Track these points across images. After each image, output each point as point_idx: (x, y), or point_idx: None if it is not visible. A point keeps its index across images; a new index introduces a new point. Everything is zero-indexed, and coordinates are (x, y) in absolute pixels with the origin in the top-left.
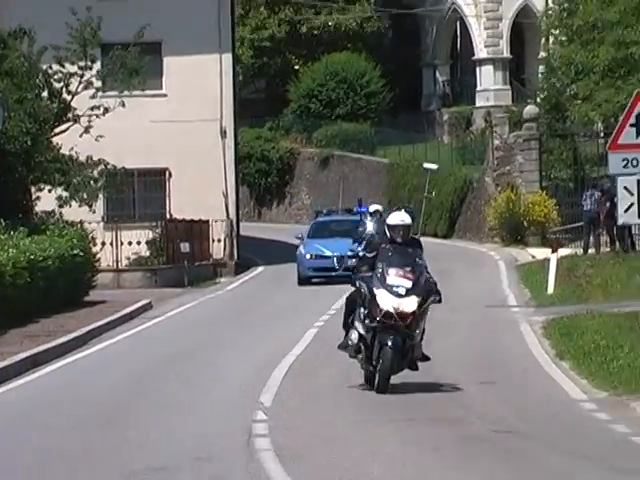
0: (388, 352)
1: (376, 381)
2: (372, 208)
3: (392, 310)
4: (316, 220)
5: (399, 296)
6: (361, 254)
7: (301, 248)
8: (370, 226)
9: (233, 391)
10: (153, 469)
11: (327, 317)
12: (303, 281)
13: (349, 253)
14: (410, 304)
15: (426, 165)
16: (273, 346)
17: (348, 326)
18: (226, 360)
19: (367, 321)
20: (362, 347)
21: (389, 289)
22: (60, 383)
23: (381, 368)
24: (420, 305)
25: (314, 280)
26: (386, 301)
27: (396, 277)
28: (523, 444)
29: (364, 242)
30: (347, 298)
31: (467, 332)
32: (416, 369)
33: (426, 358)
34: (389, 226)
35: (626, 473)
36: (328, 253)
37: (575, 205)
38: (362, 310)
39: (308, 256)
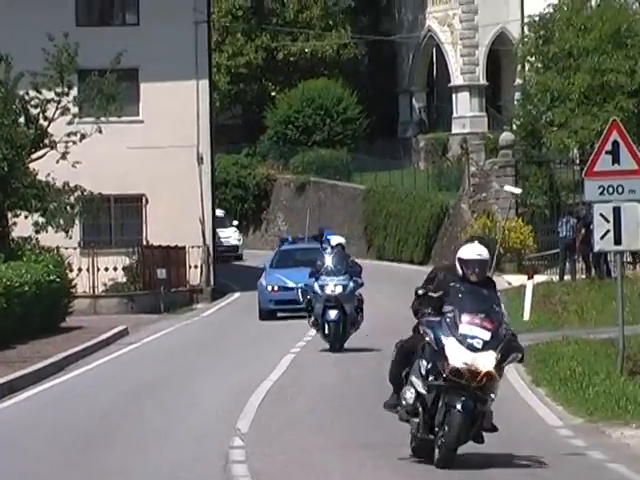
0: (457, 417)
1: (437, 452)
2: (334, 241)
3: (464, 366)
4: (280, 248)
5: (474, 350)
6: (421, 292)
7: (262, 279)
8: (328, 260)
9: (210, 417)
10: None
11: (303, 343)
12: (265, 316)
13: (301, 285)
14: (487, 361)
15: (507, 188)
16: (250, 372)
17: (400, 381)
18: (202, 386)
19: (430, 378)
20: (420, 409)
21: (462, 340)
22: (37, 408)
23: (446, 436)
24: (499, 363)
25: (279, 315)
26: (458, 355)
27: (471, 326)
28: (500, 471)
29: (425, 281)
30: (401, 346)
31: None
32: (482, 442)
33: (494, 429)
34: (461, 260)
35: None
36: (291, 284)
37: (551, 232)
38: (424, 363)
39: (269, 288)
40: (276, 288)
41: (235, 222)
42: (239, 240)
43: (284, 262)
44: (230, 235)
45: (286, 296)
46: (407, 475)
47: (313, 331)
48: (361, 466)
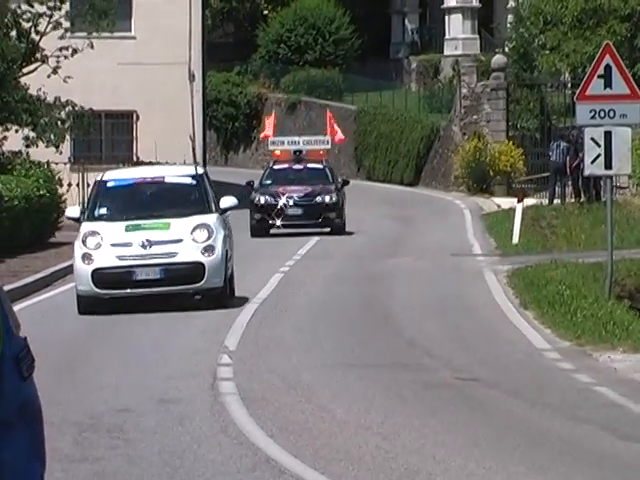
0: None
1: None
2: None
3: None
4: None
5: None
6: None
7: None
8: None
9: (198, 335)
10: (117, 410)
11: (292, 262)
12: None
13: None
14: None
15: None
16: (238, 290)
17: None
18: (190, 304)
19: None
20: None
21: None
22: (25, 323)
23: None
24: None
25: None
26: None
27: None
28: (486, 392)
29: None
30: None
31: (433, 280)
32: None
33: None
34: None
35: (588, 422)
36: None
37: (541, 155)
38: None
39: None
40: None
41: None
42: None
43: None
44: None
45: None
46: (395, 394)
47: (303, 250)
48: (348, 386)
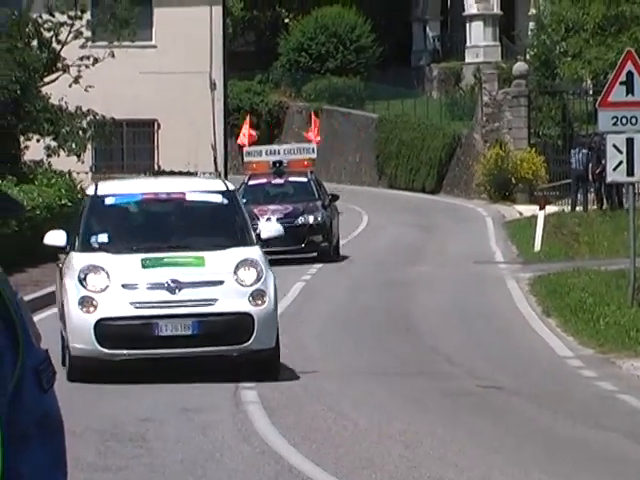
0: None
1: None
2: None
3: None
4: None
5: None
6: None
7: None
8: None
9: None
10: (140, 419)
11: (314, 270)
12: None
13: None
14: None
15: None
16: None
17: None
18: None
19: None
20: None
21: None
22: (48, 332)
23: None
24: None
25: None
26: None
27: None
28: (509, 400)
29: None
30: None
31: (455, 287)
32: None
33: None
34: None
35: (611, 430)
36: None
37: (563, 163)
38: None
39: None
40: None
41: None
42: None
43: None
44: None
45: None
46: (417, 402)
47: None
48: (370, 394)
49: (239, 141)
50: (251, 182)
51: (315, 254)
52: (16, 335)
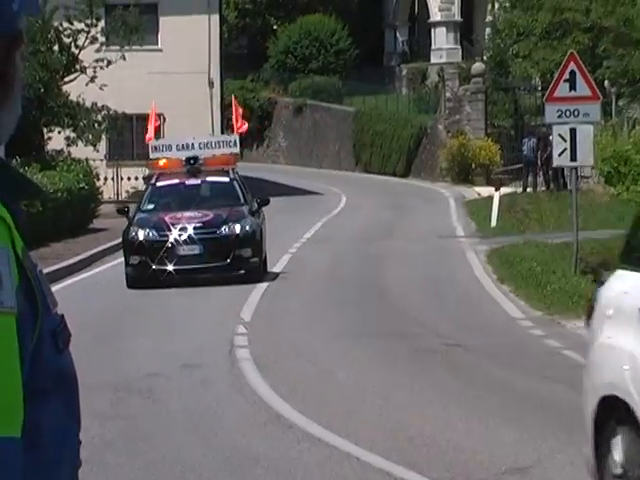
0: None
1: None
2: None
3: None
4: None
5: None
6: None
7: None
8: None
9: (217, 309)
10: (147, 374)
11: (299, 245)
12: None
13: None
14: None
15: None
16: None
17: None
18: (210, 281)
19: None
20: None
21: None
22: (68, 298)
23: None
24: None
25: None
26: None
27: None
28: (469, 356)
29: None
30: None
31: (422, 259)
32: None
33: None
34: None
35: (557, 382)
36: None
37: (515, 150)
38: None
39: None
40: None
41: None
42: None
43: None
44: None
45: None
46: (389, 358)
47: (309, 233)
48: (348, 351)
49: (148, 135)
50: (160, 183)
51: (242, 272)
52: (36, 302)
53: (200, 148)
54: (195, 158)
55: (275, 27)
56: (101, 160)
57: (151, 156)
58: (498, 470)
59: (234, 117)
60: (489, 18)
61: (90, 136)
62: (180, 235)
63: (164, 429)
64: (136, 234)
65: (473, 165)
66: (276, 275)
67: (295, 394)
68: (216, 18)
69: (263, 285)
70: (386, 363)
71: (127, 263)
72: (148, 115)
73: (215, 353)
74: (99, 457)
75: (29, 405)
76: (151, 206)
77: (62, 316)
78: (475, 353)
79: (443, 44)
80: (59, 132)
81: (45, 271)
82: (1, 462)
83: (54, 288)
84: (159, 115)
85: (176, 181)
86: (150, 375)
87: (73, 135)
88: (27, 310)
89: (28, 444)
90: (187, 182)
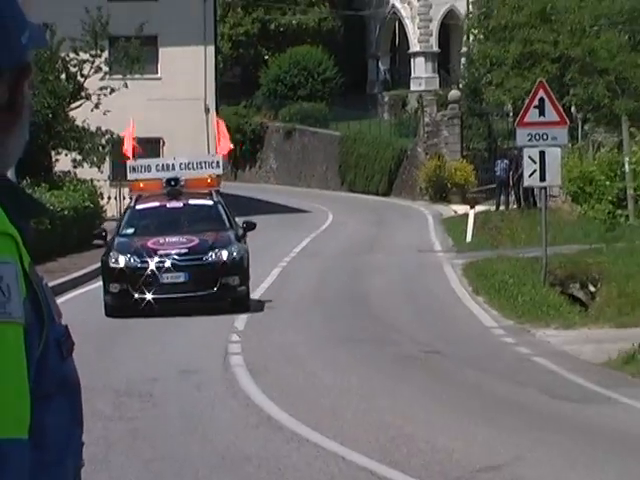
0: None
1: None
2: None
3: None
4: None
5: None
6: None
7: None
8: None
9: (212, 318)
10: (148, 379)
11: (289, 259)
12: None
13: None
14: None
15: None
16: None
17: None
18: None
19: None
20: None
21: None
22: (73, 309)
23: None
24: None
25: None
26: None
27: None
28: (447, 362)
29: None
30: None
31: (402, 271)
32: None
33: None
34: None
35: (528, 386)
36: None
37: (489, 171)
38: None
39: None
40: None
41: None
42: None
43: None
44: None
45: None
46: (372, 363)
47: (298, 248)
48: (334, 357)
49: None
50: (139, 206)
51: (229, 300)
52: (42, 313)
53: (181, 169)
54: (176, 180)
55: (266, 57)
56: (105, 180)
57: (129, 177)
58: (473, 468)
59: (217, 137)
60: (464, 49)
61: (95, 158)
62: (164, 262)
63: (163, 430)
64: (116, 260)
65: (449, 185)
66: (267, 287)
67: (285, 397)
68: (212, 49)
69: (254, 296)
70: (370, 369)
71: (106, 291)
72: (150, 139)
73: (210, 360)
74: (102, 456)
75: (35, 408)
76: (131, 230)
77: (66, 326)
78: (452, 359)
79: (422, 73)
80: (66, 154)
81: (52, 284)
82: (10, 461)
83: (60, 300)
84: (160, 138)
85: (157, 204)
86: (150, 380)
87: (79, 157)
88: (34, 320)
89: (33, 444)
90: (168, 205)
